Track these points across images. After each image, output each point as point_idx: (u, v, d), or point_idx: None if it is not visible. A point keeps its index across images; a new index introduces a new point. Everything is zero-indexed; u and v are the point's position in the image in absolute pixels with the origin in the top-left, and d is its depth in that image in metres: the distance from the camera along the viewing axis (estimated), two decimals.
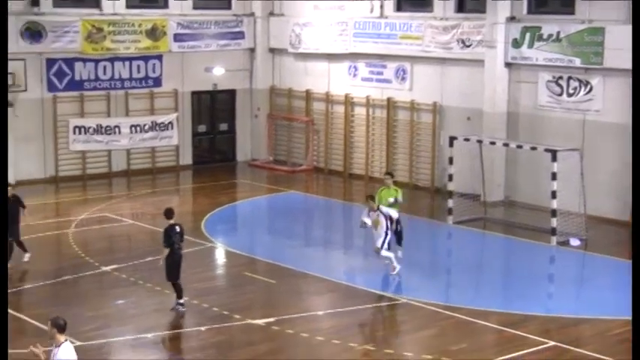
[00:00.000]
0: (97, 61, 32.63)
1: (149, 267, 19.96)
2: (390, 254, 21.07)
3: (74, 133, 32.45)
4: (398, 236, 21.98)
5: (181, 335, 17.60)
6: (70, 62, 32.18)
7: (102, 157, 33.28)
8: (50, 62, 31.88)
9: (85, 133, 32.64)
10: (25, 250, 22.20)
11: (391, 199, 21.79)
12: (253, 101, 36.12)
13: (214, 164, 35.44)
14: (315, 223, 28.46)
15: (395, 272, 20.93)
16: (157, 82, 33.99)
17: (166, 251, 18.48)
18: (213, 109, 36.23)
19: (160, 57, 33.84)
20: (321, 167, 34.17)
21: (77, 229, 25.56)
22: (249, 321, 18.01)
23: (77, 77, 32.39)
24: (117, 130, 33.17)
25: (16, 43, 30.67)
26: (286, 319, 18.11)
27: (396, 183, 30.95)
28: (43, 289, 20.32)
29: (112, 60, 32.93)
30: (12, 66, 30.14)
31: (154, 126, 33.90)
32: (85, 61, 32.44)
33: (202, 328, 17.73)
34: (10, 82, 30.11)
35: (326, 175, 33.69)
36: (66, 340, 11.60)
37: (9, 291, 19.86)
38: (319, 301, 19.80)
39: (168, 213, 18.90)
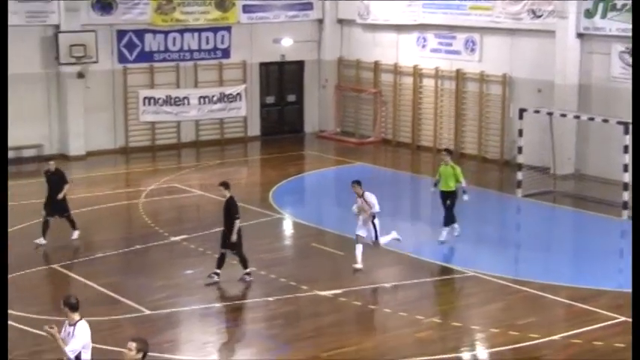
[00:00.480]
0: (166, 33, 32.84)
1: (217, 237, 20.02)
2: (388, 237, 20.13)
3: (144, 104, 32.74)
4: (448, 216, 21.52)
5: (249, 305, 17.73)
6: (140, 34, 32.43)
7: (171, 128, 33.55)
8: (121, 34, 32.16)
9: (155, 104, 32.91)
10: (74, 228, 21.83)
11: (464, 182, 21.41)
12: (321, 72, 36.05)
13: (282, 135, 35.49)
14: (383, 195, 28.13)
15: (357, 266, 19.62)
16: (226, 53, 34.10)
17: (238, 223, 18.53)
18: (281, 81, 36.26)
19: (228, 28, 33.92)
20: (389, 139, 34.04)
21: (147, 199, 25.84)
22: (317, 292, 18.07)
23: (147, 49, 32.65)
24: (186, 101, 33.39)
25: (87, 15, 31.03)
26: (353, 291, 18.14)
27: (464, 155, 30.89)
28: (113, 258, 20.60)
29: (181, 31, 33.12)
30: (83, 37, 30.52)
31: (223, 97, 34.05)
32: (154, 32, 32.66)
33: (270, 299, 17.85)
34: (81, 53, 30.48)
35: (394, 146, 33.55)
36: (81, 319, 11.54)
37: (79, 260, 20.23)
38: (386, 273, 19.78)
39: (228, 185, 18.95)
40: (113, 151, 32.27)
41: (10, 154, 30.42)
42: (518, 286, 18.41)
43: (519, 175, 25.99)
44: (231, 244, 18.47)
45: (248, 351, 15.65)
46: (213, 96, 33.85)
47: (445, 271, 19.83)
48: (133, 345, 9.90)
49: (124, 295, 17.85)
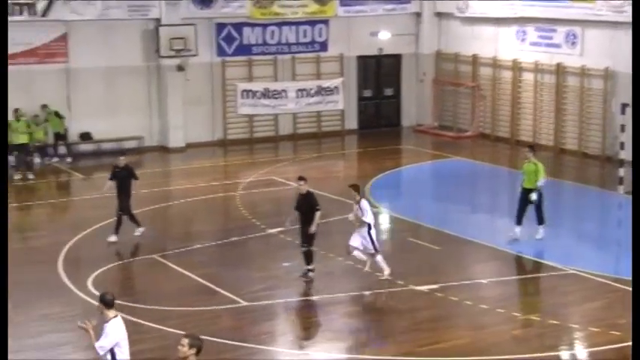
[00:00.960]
0: (264, 26, 33.05)
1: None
2: (383, 264, 18.30)
3: (242, 97, 33.02)
4: (538, 215, 21.03)
5: (344, 299, 17.71)
6: (238, 27, 32.70)
7: (269, 120, 33.77)
8: (220, 27, 32.48)
9: (253, 97, 33.17)
10: (137, 225, 21.46)
11: (541, 181, 20.83)
12: (419, 66, 35.86)
13: (379, 129, 35.41)
14: (481, 190, 28.13)
15: (385, 275, 18.31)
16: (324, 46, 34.17)
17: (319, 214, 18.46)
18: (379, 74, 36.17)
19: (326, 21, 33.98)
20: (487, 133, 33.68)
21: (244, 191, 26.05)
22: (413, 287, 17.98)
23: (245, 42, 32.92)
24: (284, 94, 33.57)
25: (187, 9, 31.41)
26: (450, 286, 18.00)
27: (564, 151, 30.38)
28: (211, 249, 20.82)
29: (279, 25, 33.29)
30: (183, 31, 30.92)
31: (320, 90, 34.13)
32: (253, 25, 32.91)
33: (365, 293, 17.82)
34: (181, 46, 30.88)
35: (492, 141, 33.18)
36: (116, 316, 11.34)
37: (177, 250, 20.48)
38: (484, 268, 19.58)
39: (305, 179, 18.70)
40: (211, 143, 32.63)
41: (111, 146, 31.04)
42: (619, 285, 18.02)
43: (621, 172, 25.43)
44: (309, 236, 18.34)
45: (343, 345, 15.64)
46: (310, 89, 33.97)
47: (544, 268, 19.52)
48: (185, 341, 9.66)
49: (221, 286, 18.02)
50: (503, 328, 16.21)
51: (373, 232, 18.19)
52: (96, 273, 18.80)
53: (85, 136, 31.49)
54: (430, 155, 31.48)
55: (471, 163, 30.17)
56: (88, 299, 17.17)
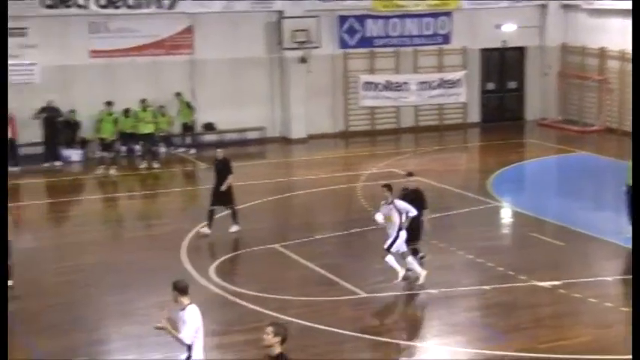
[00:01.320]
0: (387, 18, 32.98)
1: (433, 223, 19.99)
2: (395, 265, 17.45)
3: (364, 89, 33.03)
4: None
5: (464, 293, 17.54)
6: (361, 19, 32.72)
7: (390, 112, 33.71)
8: (342, 19, 32.55)
9: (375, 89, 33.15)
10: (235, 221, 21.12)
11: None
12: (544, 59, 35.25)
13: (502, 122, 34.96)
14: (607, 185, 27.43)
15: (398, 280, 17.53)
16: (446, 39, 33.91)
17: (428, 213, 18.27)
18: (502, 67, 35.70)
19: (449, 14, 33.70)
20: (614, 128, 32.89)
21: (365, 183, 26.05)
22: (535, 283, 17.69)
23: (368, 34, 32.91)
24: (405, 86, 33.45)
25: (310, 1, 31.56)
26: (573, 283, 17.64)
27: None
28: (332, 240, 20.88)
29: (401, 17, 33.17)
30: (306, 23, 31.10)
31: (442, 83, 33.89)
32: (375, 18, 32.87)
33: (486, 287, 17.61)
34: (304, 38, 31.07)
35: (619, 135, 32.37)
36: (191, 303, 11.36)
37: (299, 241, 20.60)
38: (608, 265, 19.13)
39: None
40: (333, 134, 32.76)
41: (234, 136, 31.49)
42: None
43: None
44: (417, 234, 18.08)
45: (463, 339, 15.49)
46: (432, 82, 33.77)
47: None
48: (270, 329, 9.48)
49: (341, 276, 18.05)
50: (628, 327, 15.79)
51: (403, 234, 17.33)
52: (218, 261, 19.07)
53: (209, 127, 31.98)
54: (554, 149, 30.92)
55: (596, 158, 29.50)
56: (211, 287, 17.44)
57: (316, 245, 20.42)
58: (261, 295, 16.96)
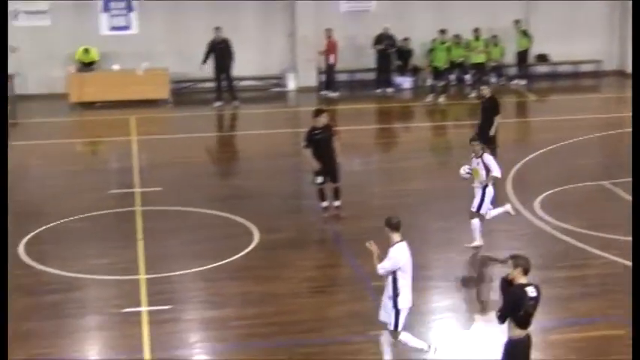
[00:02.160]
0: None
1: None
2: (477, 232, 15.73)
3: None
4: None
5: None
6: None
7: None
8: None
9: None
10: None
11: None
12: None
13: None
14: None
15: (474, 244, 15.82)
16: None
17: None
18: None
19: None
20: None
21: None
22: None
23: None
24: None
25: None
26: None
27: None
28: None
29: None
30: None
31: None
32: None
33: None
34: None
35: None
36: (401, 241, 11.22)
37: (629, 179, 19.78)
38: None
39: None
40: None
41: (568, 69, 30.66)
42: None
43: None
44: None
45: None
46: None
47: None
48: (510, 262, 9.77)
49: None
50: None
51: (490, 190, 15.79)
52: (543, 195, 18.74)
53: (542, 58, 31.31)
54: None
55: None
56: (535, 221, 17.22)
57: None
58: (585, 232, 16.52)
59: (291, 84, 30.50)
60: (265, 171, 21.40)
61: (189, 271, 15.06)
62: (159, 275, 14.82)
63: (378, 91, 29.88)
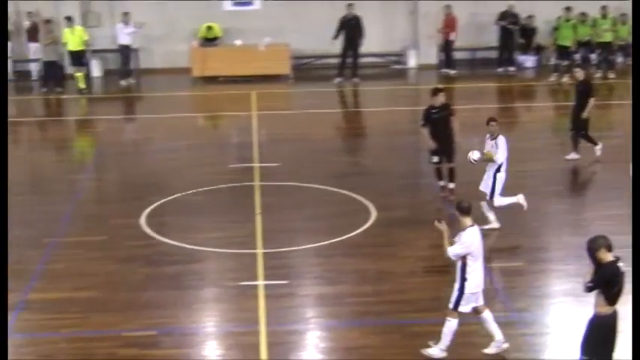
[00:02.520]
0: None
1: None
2: (507, 200, 15.68)
3: None
4: None
5: None
6: None
7: None
8: None
9: None
10: (594, 143, 19.46)
11: None
12: None
13: None
14: None
15: (489, 226, 15.48)
16: None
17: None
18: None
19: None
20: None
21: None
22: None
23: None
24: None
25: None
26: None
27: None
28: None
29: None
30: None
31: None
32: None
33: None
34: None
35: None
36: (473, 225, 11.08)
37: None
38: None
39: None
40: None
41: None
42: None
43: None
44: None
45: None
46: None
47: None
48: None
49: None
50: None
51: (501, 174, 15.52)
52: None
53: None
54: None
55: None
56: None
57: None
58: None
59: (412, 61, 30.35)
60: (383, 148, 21.37)
61: (305, 246, 15.17)
62: (276, 250, 14.96)
63: (500, 69, 29.47)
